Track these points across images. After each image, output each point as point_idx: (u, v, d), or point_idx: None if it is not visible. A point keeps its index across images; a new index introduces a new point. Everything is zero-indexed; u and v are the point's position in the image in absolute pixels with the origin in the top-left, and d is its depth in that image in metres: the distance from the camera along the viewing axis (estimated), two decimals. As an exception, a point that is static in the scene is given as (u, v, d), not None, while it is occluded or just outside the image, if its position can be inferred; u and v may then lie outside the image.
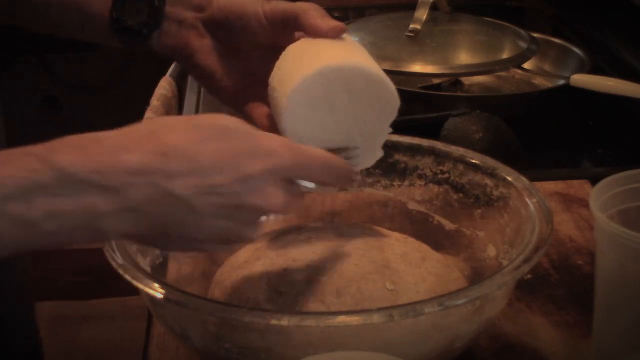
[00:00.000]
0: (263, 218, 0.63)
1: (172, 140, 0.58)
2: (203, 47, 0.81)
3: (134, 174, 0.57)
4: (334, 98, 0.69)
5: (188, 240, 0.62)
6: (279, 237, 0.80)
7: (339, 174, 0.67)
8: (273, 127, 0.73)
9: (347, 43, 0.74)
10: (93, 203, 0.56)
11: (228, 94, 0.81)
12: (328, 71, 0.68)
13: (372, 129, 0.72)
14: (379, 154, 0.74)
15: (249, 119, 0.78)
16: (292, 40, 0.75)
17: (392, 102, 0.71)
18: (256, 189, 0.60)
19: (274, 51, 0.75)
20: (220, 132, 0.60)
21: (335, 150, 0.69)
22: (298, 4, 0.76)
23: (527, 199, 0.77)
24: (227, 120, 0.61)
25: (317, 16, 0.74)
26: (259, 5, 0.77)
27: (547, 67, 1.38)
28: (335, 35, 0.73)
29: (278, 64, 0.74)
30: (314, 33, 0.74)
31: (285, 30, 0.76)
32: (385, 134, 0.73)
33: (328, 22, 0.74)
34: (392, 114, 0.72)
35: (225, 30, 0.79)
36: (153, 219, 0.59)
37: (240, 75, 0.80)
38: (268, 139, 0.62)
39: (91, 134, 0.58)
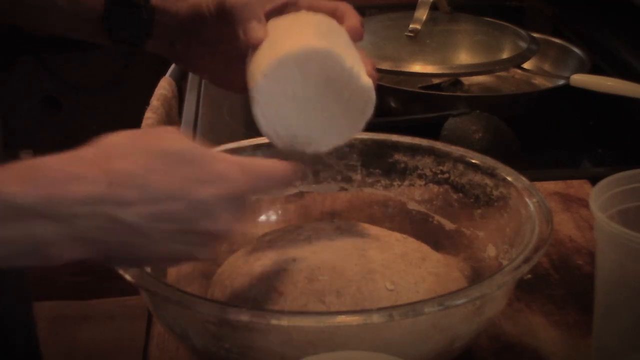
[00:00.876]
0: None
1: (121, 167, 0.57)
2: (190, 55, 0.82)
3: (83, 204, 0.55)
4: (295, 82, 0.70)
5: (135, 260, 0.62)
6: (279, 237, 0.80)
7: (288, 181, 0.66)
8: None
9: (307, 23, 0.74)
10: (39, 233, 0.55)
11: (239, 86, 0.81)
12: (280, 65, 0.69)
13: (338, 105, 0.72)
14: (353, 132, 0.74)
15: None
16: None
17: (341, 72, 0.70)
18: (208, 214, 0.59)
19: None
20: (171, 158, 0.58)
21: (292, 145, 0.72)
22: (235, 0, 0.75)
23: (527, 199, 0.77)
24: (178, 143, 0.59)
25: (245, 20, 0.73)
26: (206, 0, 0.77)
27: (547, 67, 1.38)
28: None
29: (247, 64, 0.74)
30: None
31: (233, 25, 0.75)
32: (352, 111, 0.73)
33: (248, 35, 0.73)
34: (348, 84, 0.71)
35: (196, 31, 0.80)
36: (101, 245, 0.58)
37: (236, 66, 0.80)
38: (219, 163, 0.60)
39: (37, 160, 0.57)
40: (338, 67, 0.70)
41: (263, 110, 0.70)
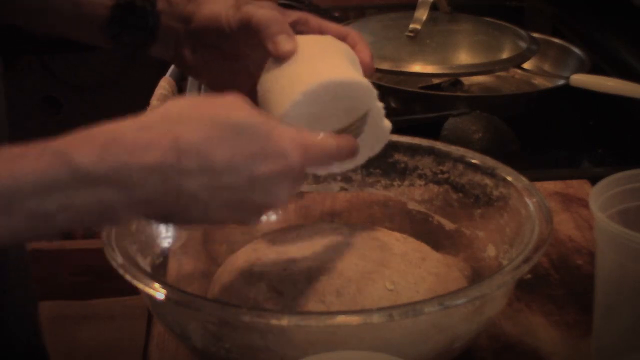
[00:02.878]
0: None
1: (188, 137, 0.59)
2: (197, 62, 0.82)
3: (151, 172, 0.58)
4: (322, 111, 0.70)
5: (190, 221, 0.64)
6: (279, 237, 0.81)
7: (343, 157, 0.68)
8: None
9: (321, 49, 0.74)
10: (108, 198, 0.57)
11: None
12: (309, 95, 0.69)
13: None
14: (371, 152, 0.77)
15: None
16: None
17: (367, 97, 0.72)
18: (264, 188, 0.61)
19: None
20: (236, 130, 0.60)
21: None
22: (262, 15, 0.75)
23: (527, 199, 0.77)
24: (244, 115, 0.61)
25: (274, 34, 0.73)
26: (226, 13, 0.77)
27: (547, 67, 1.38)
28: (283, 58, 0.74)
29: (264, 77, 0.74)
30: (270, 54, 0.74)
31: (256, 39, 0.76)
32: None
33: (279, 47, 0.73)
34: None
35: (209, 40, 0.80)
36: (162, 208, 0.60)
37: (243, 77, 0.80)
38: (280, 138, 0.62)
39: (110, 127, 0.59)
40: (367, 99, 0.72)
41: None
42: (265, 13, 0.75)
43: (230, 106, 0.62)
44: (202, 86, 1.34)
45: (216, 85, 0.84)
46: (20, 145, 0.57)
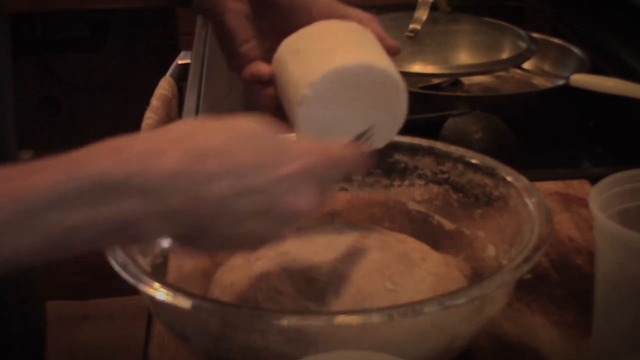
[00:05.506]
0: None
1: (208, 141, 0.57)
2: (236, 9, 0.80)
3: (170, 177, 0.56)
4: (344, 94, 0.71)
5: (223, 240, 0.61)
6: (279, 237, 0.80)
7: (359, 164, 0.68)
8: (278, 108, 0.75)
9: (354, 33, 0.76)
10: (129, 208, 0.55)
11: (241, 62, 0.81)
12: (339, 72, 0.71)
13: (383, 116, 0.74)
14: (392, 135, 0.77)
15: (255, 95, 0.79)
16: None
17: (396, 89, 0.74)
18: (290, 189, 0.59)
19: None
20: (254, 134, 0.59)
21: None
22: (358, 13, 0.78)
23: (526, 199, 0.77)
24: (257, 125, 0.61)
25: (379, 28, 0.76)
26: None
27: (546, 67, 1.38)
28: (394, 55, 0.76)
29: (284, 52, 0.75)
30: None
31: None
32: (397, 119, 0.76)
33: (393, 42, 0.77)
34: (399, 99, 0.74)
35: (267, 3, 0.79)
36: (188, 220, 0.57)
37: (262, 49, 0.80)
38: (293, 144, 0.62)
39: (123, 138, 0.57)
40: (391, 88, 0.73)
41: (306, 126, 0.72)
42: (365, 13, 0.78)
43: (246, 119, 0.60)
44: (202, 86, 1.34)
45: (231, 43, 0.81)
46: (26, 163, 0.55)
